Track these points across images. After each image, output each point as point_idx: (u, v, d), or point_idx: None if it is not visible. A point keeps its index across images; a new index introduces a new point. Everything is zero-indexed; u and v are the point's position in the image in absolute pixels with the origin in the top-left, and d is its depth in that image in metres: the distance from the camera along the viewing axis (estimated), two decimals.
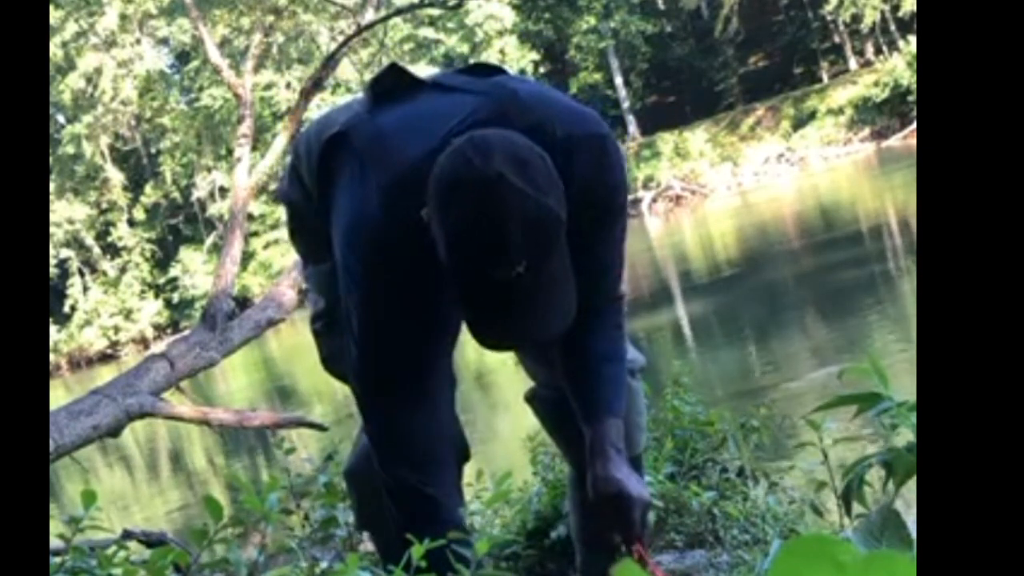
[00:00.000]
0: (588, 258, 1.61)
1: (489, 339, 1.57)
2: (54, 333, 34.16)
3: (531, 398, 2.02)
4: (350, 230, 1.66)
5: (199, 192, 36.19)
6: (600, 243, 1.72)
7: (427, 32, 34.60)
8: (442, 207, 1.48)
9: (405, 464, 1.71)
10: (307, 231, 1.91)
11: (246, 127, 5.72)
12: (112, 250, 37.75)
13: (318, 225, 1.81)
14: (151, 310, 36.38)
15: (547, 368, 1.93)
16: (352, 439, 2.04)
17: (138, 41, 34.42)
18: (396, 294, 1.65)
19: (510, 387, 8.56)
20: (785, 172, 29.42)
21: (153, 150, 38.06)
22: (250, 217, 15.50)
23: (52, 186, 34.58)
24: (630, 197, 2.05)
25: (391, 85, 1.74)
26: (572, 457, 2.01)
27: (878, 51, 33.17)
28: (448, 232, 1.47)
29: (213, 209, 35.22)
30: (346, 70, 25.59)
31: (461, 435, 1.82)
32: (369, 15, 6.79)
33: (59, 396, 11.82)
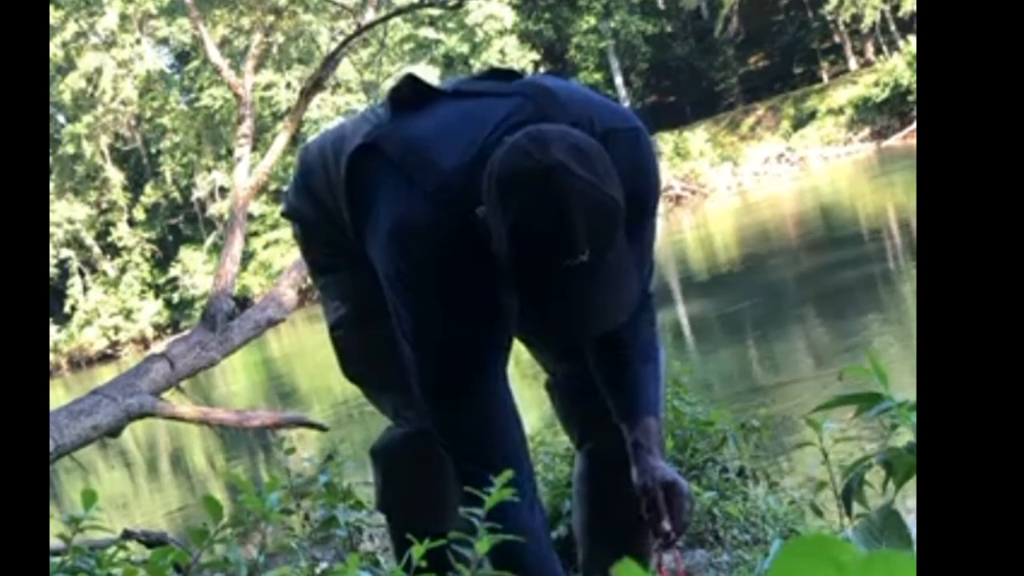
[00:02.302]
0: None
1: (552, 329, 1.58)
2: (54, 333, 34.13)
3: (550, 387, 2.04)
4: (400, 237, 1.65)
5: (199, 192, 36.17)
6: (638, 237, 1.72)
7: (427, 32, 34.57)
8: (503, 200, 1.49)
9: (479, 461, 1.69)
10: (321, 243, 1.91)
11: (246, 127, 5.72)
12: (112, 250, 37.73)
13: (334, 236, 1.81)
14: (151, 310, 36.35)
15: (567, 360, 1.94)
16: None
17: (138, 41, 34.41)
18: (452, 295, 1.65)
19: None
20: (785, 172, 29.41)
21: (153, 150, 38.03)
22: (250, 217, 15.52)
23: (52, 186, 34.56)
24: None
25: (410, 95, 1.75)
26: (584, 447, 2.02)
27: (878, 51, 33.17)
28: (510, 224, 1.48)
29: (213, 209, 35.20)
30: (346, 70, 25.62)
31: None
32: (369, 15, 6.79)
33: (59, 396, 11.82)
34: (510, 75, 1.79)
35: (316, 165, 1.85)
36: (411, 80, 1.77)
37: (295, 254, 2.13)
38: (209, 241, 35.05)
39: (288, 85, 32.21)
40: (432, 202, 1.61)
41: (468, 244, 1.56)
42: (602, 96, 1.80)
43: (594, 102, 1.73)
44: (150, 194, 37.76)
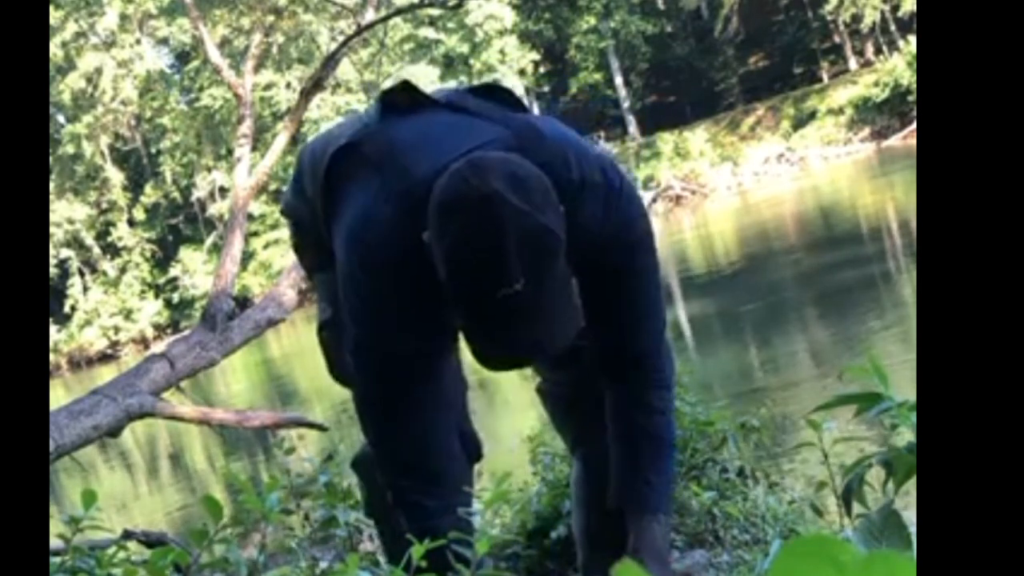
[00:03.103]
0: (618, 306, 1.59)
1: (489, 357, 1.57)
2: (54, 333, 34.14)
3: (542, 392, 2.05)
4: (356, 229, 1.65)
5: (199, 192, 36.19)
6: (628, 291, 1.71)
7: (427, 32, 34.58)
8: (441, 227, 1.48)
9: (407, 475, 1.72)
10: (311, 242, 1.92)
11: (246, 127, 5.71)
12: (112, 250, 37.74)
13: (321, 236, 1.82)
14: (151, 310, 36.36)
15: (562, 368, 1.95)
16: (354, 438, 2.05)
17: (138, 41, 34.42)
18: (397, 299, 1.65)
19: (509, 387, 8.56)
20: (785, 172, 29.41)
21: (153, 150, 38.04)
22: (250, 217, 15.53)
23: (52, 186, 34.57)
24: None
25: (402, 101, 1.75)
26: (578, 451, 2.02)
27: (878, 51, 33.19)
28: (446, 251, 1.48)
29: (213, 209, 35.22)
30: (346, 70, 25.63)
31: (473, 434, 1.84)
32: (369, 15, 6.78)
33: (59, 396, 11.81)
34: (508, 96, 1.78)
35: (307, 166, 1.86)
36: (405, 86, 1.78)
37: (295, 254, 2.13)
38: (209, 241, 35.06)
39: (288, 85, 32.22)
40: (397, 202, 1.60)
41: (419, 253, 1.55)
42: (595, 148, 1.76)
43: (580, 151, 1.67)
44: (150, 194, 37.77)
